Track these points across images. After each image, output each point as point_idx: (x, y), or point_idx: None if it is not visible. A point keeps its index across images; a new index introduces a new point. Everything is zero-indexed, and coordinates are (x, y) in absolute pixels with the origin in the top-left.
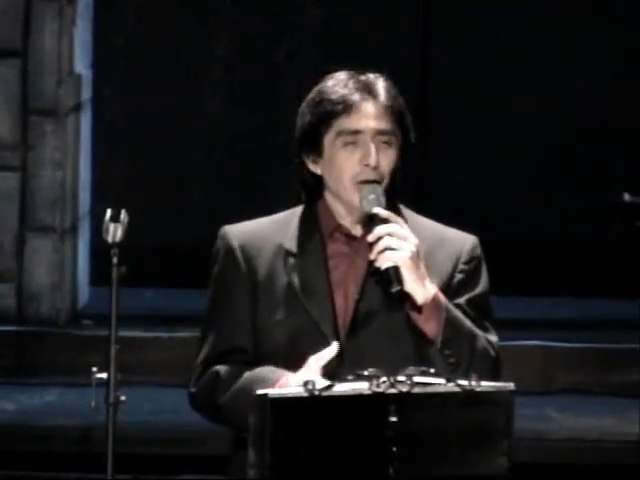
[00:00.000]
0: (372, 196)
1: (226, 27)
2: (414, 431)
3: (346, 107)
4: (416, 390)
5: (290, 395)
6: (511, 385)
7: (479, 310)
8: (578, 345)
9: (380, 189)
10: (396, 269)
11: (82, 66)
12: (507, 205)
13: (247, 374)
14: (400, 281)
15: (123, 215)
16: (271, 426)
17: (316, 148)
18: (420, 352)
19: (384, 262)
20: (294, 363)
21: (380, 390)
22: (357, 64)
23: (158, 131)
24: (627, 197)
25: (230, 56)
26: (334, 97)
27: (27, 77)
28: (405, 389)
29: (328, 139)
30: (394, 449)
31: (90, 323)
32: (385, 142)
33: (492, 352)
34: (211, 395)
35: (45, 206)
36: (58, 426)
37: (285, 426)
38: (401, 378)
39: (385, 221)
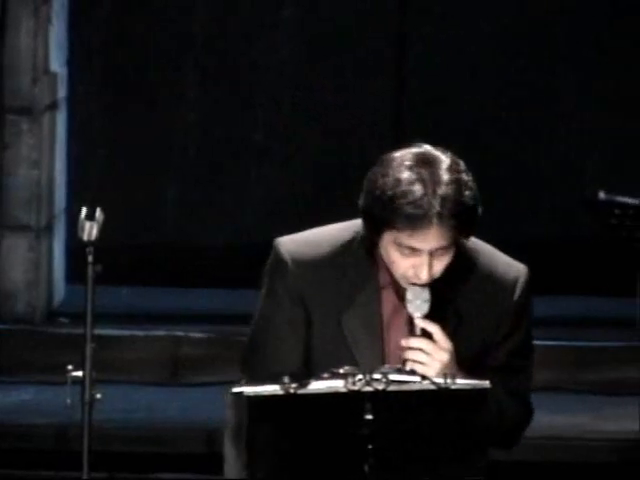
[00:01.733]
0: (418, 302)
1: (203, 24)
2: (390, 429)
3: (413, 227)
4: (392, 388)
5: (266, 393)
6: (486, 383)
7: (520, 355)
8: (553, 343)
9: (426, 293)
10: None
11: (58, 64)
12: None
13: None
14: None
15: (98, 213)
16: (248, 423)
17: (374, 232)
18: None
19: (413, 368)
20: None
21: (356, 388)
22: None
23: (134, 129)
24: (602, 195)
25: (207, 54)
26: (405, 210)
27: (2, 75)
28: (381, 387)
29: (386, 237)
30: (370, 447)
31: (66, 321)
32: (441, 254)
33: (522, 416)
34: None
35: (21, 205)
36: (34, 424)
37: (262, 424)
38: (377, 376)
39: (423, 329)
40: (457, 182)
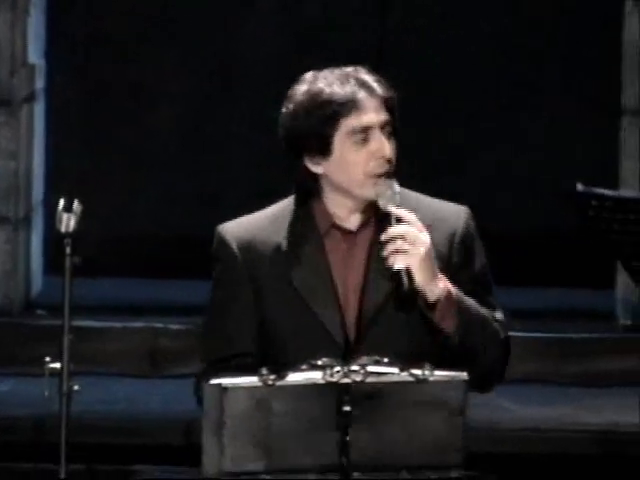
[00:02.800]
0: (389, 192)
1: (183, 14)
2: (368, 420)
3: (353, 106)
4: (370, 380)
5: (244, 384)
6: (464, 375)
7: (482, 286)
8: (534, 335)
9: (395, 184)
10: (407, 270)
11: (36, 56)
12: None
13: None
14: (411, 281)
15: (76, 205)
16: (226, 415)
17: (322, 149)
18: (425, 342)
19: (395, 263)
20: (300, 364)
21: (334, 380)
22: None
23: (111, 121)
24: (579, 187)
25: (186, 44)
26: (337, 97)
27: None
28: (359, 379)
29: (338, 139)
30: (348, 439)
31: (44, 313)
32: (389, 133)
33: (501, 334)
34: None
35: None
36: (12, 416)
37: (240, 415)
38: (355, 368)
39: (398, 219)
40: (373, 73)
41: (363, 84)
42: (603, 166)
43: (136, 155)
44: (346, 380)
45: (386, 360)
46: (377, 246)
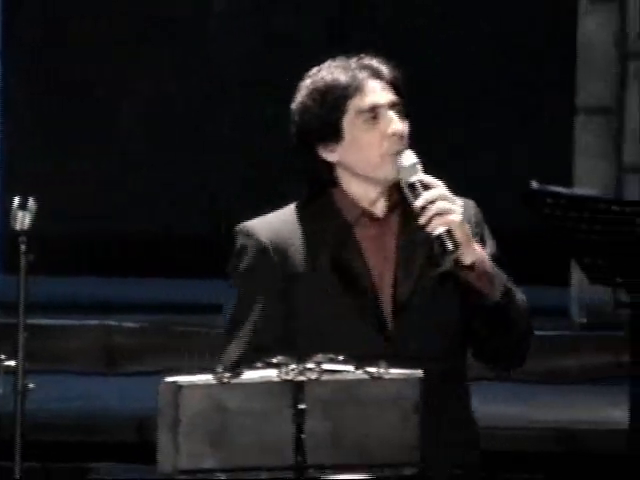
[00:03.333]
0: (408, 164)
1: (133, 14)
2: (323, 418)
3: (357, 86)
4: (325, 378)
5: (199, 382)
6: (419, 372)
7: (501, 268)
8: None
9: (413, 155)
10: (449, 232)
11: None
12: None
13: None
14: (455, 243)
15: (31, 203)
16: (181, 413)
17: (334, 134)
18: (456, 327)
19: (436, 227)
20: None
21: (289, 377)
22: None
23: (65, 121)
24: (535, 185)
25: (141, 43)
26: (341, 81)
27: None
28: (314, 377)
29: (347, 122)
30: (303, 437)
31: None
32: (399, 112)
33: (526, 304)
34: None
35: None
36: None
37: (195, 413)
38: (310, 365)
39: (426, 186)
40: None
41: (366, 67)
42: (557, 164)
43: (90, 154)
44: (301, 378)
45: (341, 358)
46: (406, 231)
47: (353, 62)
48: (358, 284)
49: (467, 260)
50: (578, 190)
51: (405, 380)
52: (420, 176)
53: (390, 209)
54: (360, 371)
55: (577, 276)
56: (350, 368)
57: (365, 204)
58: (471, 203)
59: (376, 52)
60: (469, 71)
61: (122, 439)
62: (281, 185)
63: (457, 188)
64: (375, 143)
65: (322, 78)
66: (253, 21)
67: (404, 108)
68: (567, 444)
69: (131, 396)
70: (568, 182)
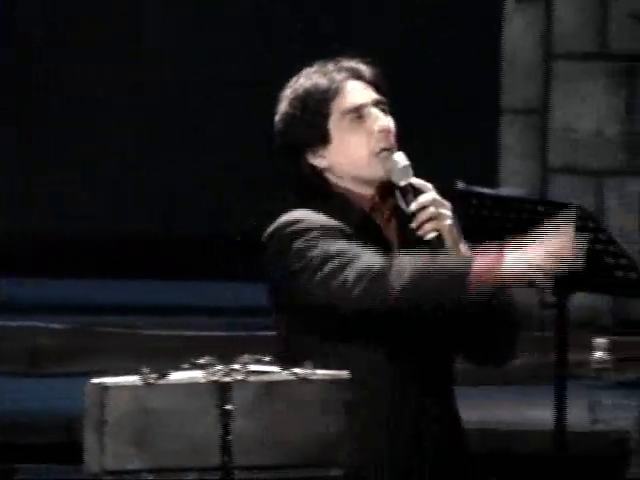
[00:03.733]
0: (399, 166)
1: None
2: (250, 419)
3: (337, 88)
4: (251, 378)
5: (126, 383)
6: (346, 373)
7: None
8: None
9: (403, 157)
10: (439, 238)
11: None
12: None
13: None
14: (444, 247)
15: None
16: (107, 413)
17: (321, 138)
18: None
19: (428, 232)
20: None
21: (215, 378)
22: None
23: (14, 120)
24: (460, 186)
25: (86, 44)
26: (321, 85)
27: None
28: (240, 377)
29: (333, 124)
30: (230, 438)
31: None
32: (384, 110)
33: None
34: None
35: None
36: None
37: (121, 413)
38: (236, 366)
39: (417, 190)
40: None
41: (344, 68)
42: (483, 165)
43: (30, 156)
44: (227, 379)
45: (267, 359)
46: (404, 231)
47: (331, 65)
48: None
49: None
50: (504, 190)
51: (332, 381)
52: (411, 179)
53: (390, 211)
54: (286, 372)
55: None
56: (276, 369)
57: (364, 206)
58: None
59: (353, 52)
60: (394, 69)
61: (48, 440)
62: (281, 185)
63: None
64: (363, 142)
65: (301, 85)
66: (254, 21)
67: (388, 106)
68: (492, 444)
69: (57, 397)
70: (494, 182)
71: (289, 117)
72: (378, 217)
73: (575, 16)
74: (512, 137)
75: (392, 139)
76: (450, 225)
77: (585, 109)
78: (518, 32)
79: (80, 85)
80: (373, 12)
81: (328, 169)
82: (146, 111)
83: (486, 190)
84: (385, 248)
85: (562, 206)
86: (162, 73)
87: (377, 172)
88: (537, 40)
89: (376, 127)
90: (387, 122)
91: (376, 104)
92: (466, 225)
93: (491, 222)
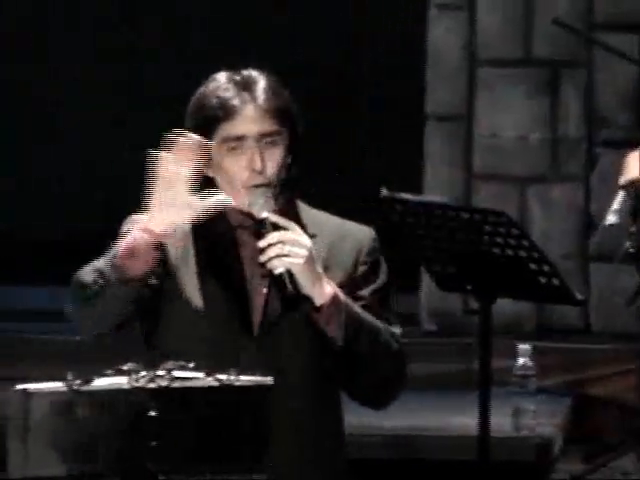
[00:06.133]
0: (260, 201)
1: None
2: (174, 426)
3: (227, 113)
4: (175, 385)
5: (49, 389)
6: (269, 380)
7: (381, 302)
8: None
9: (270, 192)
10: (290, 273)
11: None
12: None
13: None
14: (294, 285)
15: None
16: (31, 420)
17: (202, 153)
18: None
19: (276, 267)
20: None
21: (139, 385)
22: None
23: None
24: (384, 192)
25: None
26: (214, 102)
27: None
28: (164, 384)
29: (215, 145)
30: (153, 444)
31: None
32: (270, 143)
33: (395, 345)
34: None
35: None
36: None
37: (46, 420)
38: (160, 373)
39: (275, 225)
40: (270, 77)
41: (248, 89)
42: (407, 171)
43: None
44: (152, 385)
45: (192, 365)
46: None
47: (241, 80)
48: (230, 285)
49: (316, 301)
50: (428, 197)
51: (254, 388)
52: (267, 214)
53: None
54: (210, 378)
55: (426, 283)
56: (200, 375)
57: (233, 223)
58: (369, 232)
59: (274, 70)
60: (315, 74)
61: None
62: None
63: (312, 199)
64: (237, 172)
65: (204, 92)
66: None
67: (283, 134)
68: (416, 451)
69: None
70: (418, 189)
71: (187, 117)
72: (247, 231)
73: (499, 22)
74: (436, 143)
75: (266, 178)
76: (302, 265)
77: (509, 115)
78: (441, 38)
79: None
80: (301, 10)
81: (216, 180)
82: None
83: (410, 196)
84: (234, 268)
85: (486, 212)
86: None
87: (245, 203)
88: (460, 46)
89: (247, 164)
90: (258, 163)
91: (261, 137)
92: (390, 232)
93: (415, 229)
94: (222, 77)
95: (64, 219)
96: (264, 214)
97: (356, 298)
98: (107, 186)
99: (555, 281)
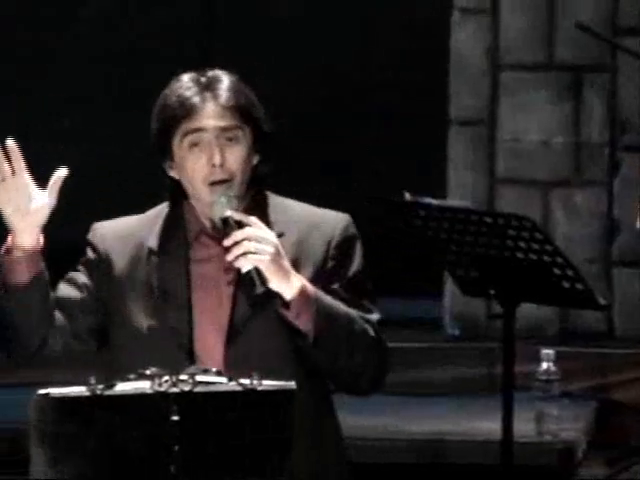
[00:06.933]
0: (223, 199)
1: None
2: (196, 430)
3: (186, 110)
4: (198, 389)
5: (72, 394)
6: (292, 384)
7: (355, 291)
8: None
9: (232, 189)
10: (257, 270)
11: None
12: None
13: None
14: (263, 281)
15: None
16: (53, 425)
17: (167, 153)
18: (298, 348)
19: (243, 265)
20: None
21: (162, 389)
22: None
23: None
24: (407, 196)
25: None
26: (175, 101)
27: None
28: (187, 388)
29: (175, 143)
30: (176, 448)
31: None
32: (230, 138)
33: (371, 332)
34: None
35: None
36: None
37: (68, 424)
38: (183, 377)
39: (239, 223)
40: (233, 78)
41: (209, 88)
42: (430, 176)
43: None
44: (174, 390)
45: (214, 369)
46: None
47: (203, 79)
48: (174, 303)
49: (286, 296)
50: (451, 202)
51: (277, 392)
52: (230, 213)
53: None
54: (233, 383)
55: (450, 288)
56: (223, 380)
57: (206, 222)
58: (342, 219)
59: (236, 68)
60: (337, 79)
61: None
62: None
63: (329, 198)
64: (197, 169)
65: (163, 95)
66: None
67: (244, 130)
68: (434, 457)
69: (2, 408)
70: (441, 194)
71: (151, 117)
72: (205, 242)
73: (522, 27)
74: (459, 148)
75: (228, 173)
76: (270, 260)
77: (532, 120)
78: (464, 43)
79: None
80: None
81: (182, 181)
82: None
83: (433, 201)
84: (178, 275)
85: (509, 217)
86: None
87: (207, 200)
88: (484, 51)
89: (208, 159)
90: (218, 157)
91: (220, 132)
92: (413, 236)
93: (438, 233)
94: (185, 77)
95: None
96: (227, 212)
97: (329, 290)
98: None
99: (579, 286)
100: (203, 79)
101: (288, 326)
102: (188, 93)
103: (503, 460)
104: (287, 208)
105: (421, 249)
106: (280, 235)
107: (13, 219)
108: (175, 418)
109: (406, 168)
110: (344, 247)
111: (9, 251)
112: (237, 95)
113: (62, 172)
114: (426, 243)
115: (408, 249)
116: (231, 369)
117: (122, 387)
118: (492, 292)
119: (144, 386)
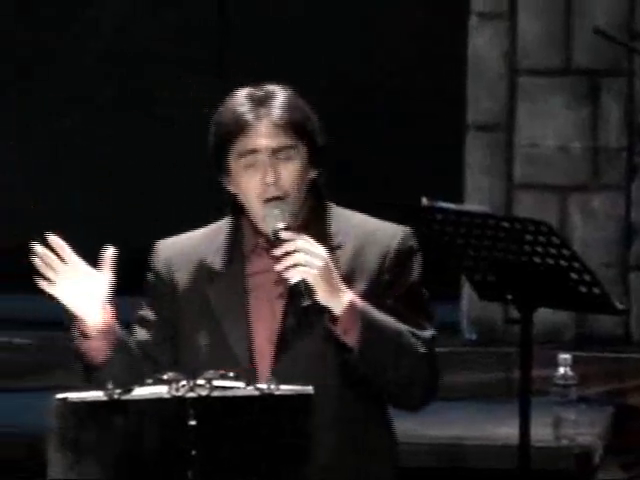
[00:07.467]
0: (276, 211)
1: None
2: (214, 435)
3: (240, 128)
4: (215, 394)
5: (90, 399)
6: (310, 389)
7: (410, 305)
8: None
9: (285, 205)
10: (305, 283)
11: None
12: None
13: None
14: (310, 294)
15: None
16: (72, 430)
17: (223, 169)
18: (345, 361)
19: (292, 277)
20: None
21: (179, 394)
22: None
23: None
24: (425, 201)
25: None
26: (229, 118)
27: None
28: (204, 393)
29: (232, 160)
30: (193, 453)
31: None
32: (284, 158)
33: (420, 348)
34: None
35: None
36: None
37: (86, 429)
38: (201, 382)
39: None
40: (288, 93)
41: (263, 104)
42: (448, 181)
43: None
44: (192, 394)
45: (232, 374)
46: None
47: (258, 95)
48: (232, 317)
49: (335, 311)
50: (468, 206)
51: (295, 397)
52: (281, 226)
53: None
54: (251, 387)
55: (467, 292)
56: (241, 384)
57: (262, 235)
58: (400, 232)
59: (289, 84)
60: (358, 85)
61: (11, 456)
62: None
63: (349, 204)
64: (252, 187)
65: (219, 112)
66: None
67: (298, 148)
68: (455, 461)
69: (21, 413)
70: (458, 198)
71: (209, 133)
72: (260, 254)
73: (539, 31)
74: (476, 153)
75: (283, 191)
76: (318, 275)
77: (549, 125)
78: (482, 47)
79: None
80: (335, 28)
81: (238, 195)
82: None
83: (451, 205)
84: (236, 290)
85: (526, 222)
86: None
87: (259, 215)
88: (501, 55)
89: (261, 178)
90: (271, 177)
91: (274, 152)
92: (431, 241)
93: (455, 238)
94: (241, 93)
95: None
96: (279, 225)
97: (383, 304)
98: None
99: (596, 290)
100: (257, 95)
101: (335, 340)
102: (242, 109)
103: (520, 464)
104: (348, 218)
105: (438, 254)
106: (338, 247)
107: (79, 305)
108: (192, 423)
109: (423, 173)
110: (400, 260)
111: (85, 336)
112: (291, 111)
113: (111, 251)
114: (443, 248)
115: (425, 254)
116: (278, 380)
117: (139, 392)
118: (509, 297)
119: (161, 391)
